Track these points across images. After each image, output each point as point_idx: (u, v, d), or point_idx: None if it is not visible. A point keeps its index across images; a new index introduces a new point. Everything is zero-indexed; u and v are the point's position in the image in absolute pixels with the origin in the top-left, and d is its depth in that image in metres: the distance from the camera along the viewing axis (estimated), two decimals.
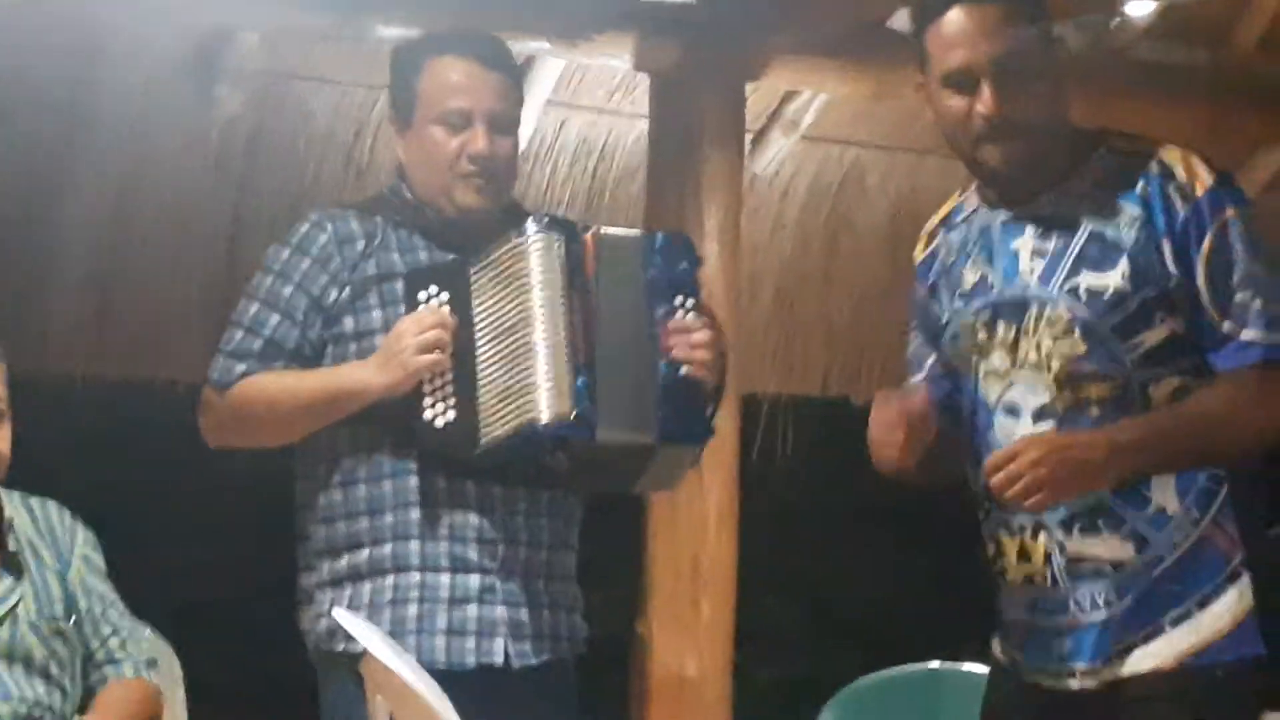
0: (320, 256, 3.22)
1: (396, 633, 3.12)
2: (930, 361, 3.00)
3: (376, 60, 4.96)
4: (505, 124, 3.24)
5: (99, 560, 3.52)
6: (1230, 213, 2.77)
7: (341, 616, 3.05)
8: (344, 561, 3.20)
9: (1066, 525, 2.79)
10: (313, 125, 5.15)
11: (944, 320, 2.92)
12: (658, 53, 4.85)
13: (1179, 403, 2.76)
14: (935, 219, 3.02)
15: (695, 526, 4.79)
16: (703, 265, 3.25)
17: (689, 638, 4.81)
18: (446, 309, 3.12)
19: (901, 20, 5.07)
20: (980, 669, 3.38)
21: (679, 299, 3.14)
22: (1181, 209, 2.75)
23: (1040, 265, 2.80)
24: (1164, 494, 2.77)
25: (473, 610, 3.15)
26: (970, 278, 2.88)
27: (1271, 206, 5.96)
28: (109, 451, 6.54)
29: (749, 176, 5.39)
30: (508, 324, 3.09)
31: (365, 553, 3.18)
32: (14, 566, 3.38)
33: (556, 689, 3.25)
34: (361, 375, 3.14)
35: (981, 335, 2.85)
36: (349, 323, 3.19)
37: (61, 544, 3.47)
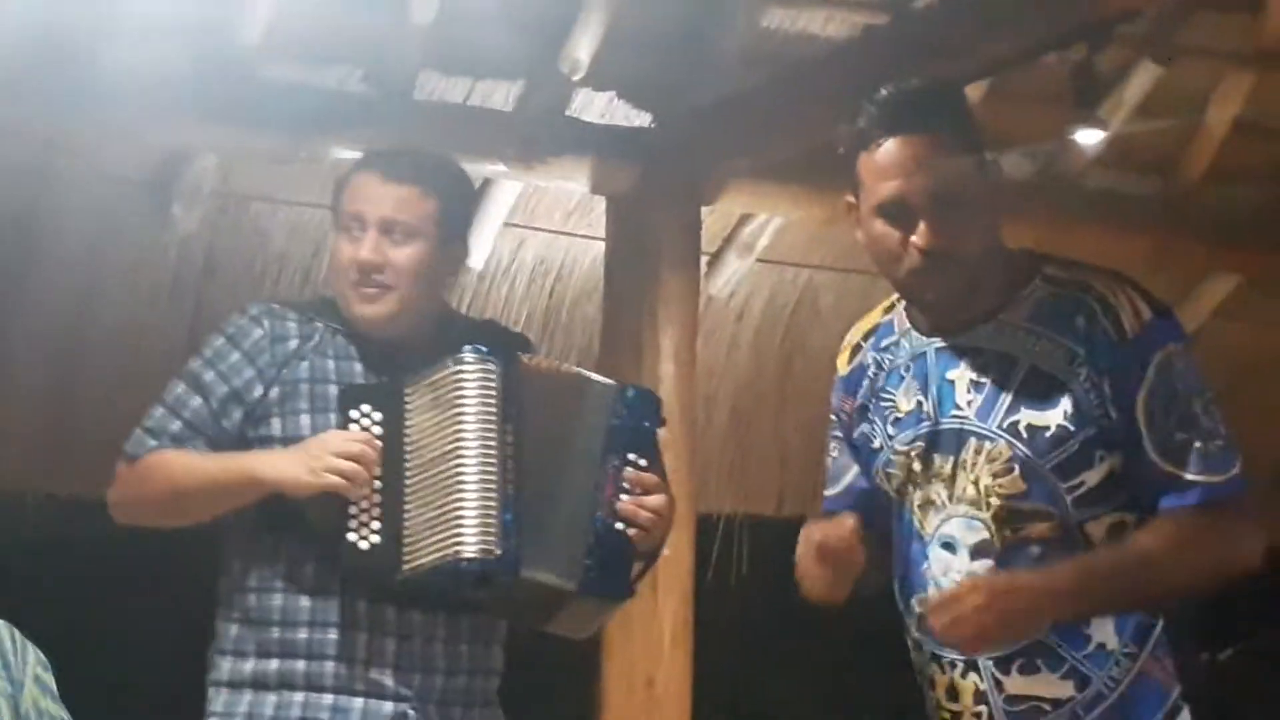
0: (250, 351, 3.18)
1: None
2: (851, 476, 2.94)
3: (332, 182, 5.01)
4: (406, 231, 3.15)
5: (50, 681, 3.47)
6: (1170, 350, 2.70)
7: None
8: (249, 666, 3.16)
9: (1004, 664, 2.73)
10: (269, 245, 5.17)
11: (875, 445, 2.84)
12: (615, 176, 4.90)
13: (1118, 545, 2.70)
14: (858, 333, 2.94)
15: (650, 646, 4.78)
16: (664, 425, 3.20)
17: None
18: (378, 432, 3.07)
19: None
20: None
21: (633, 455, 3.11)
22: (1120, 346, 2.68)
23: (978, 399, 2.73)
24: (1103, 631, 2.72)
25: None
26: (904, 404, 2.80)
27: (1218, 334, 6.04)
28: (62, 569, 6.49)
29: (705, 298, 5.42)
30: (439, 452, 3.04)
31: (274, 664, 3.14)
32: None
33: None
34: (268, 462, 3.09)
35: (916, 466, 2.78)
36: (276, 425, 3.16)
37: (12, 666, 3.43)
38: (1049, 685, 2.72)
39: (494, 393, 3.03)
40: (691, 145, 4.88)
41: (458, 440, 3.02)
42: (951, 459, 2.74)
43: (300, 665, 3.13)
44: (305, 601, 3.13)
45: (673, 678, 4.83)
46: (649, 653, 4.80)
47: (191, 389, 3.19)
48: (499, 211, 5.18)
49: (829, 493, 3.00)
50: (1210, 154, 5.46)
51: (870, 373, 2.88)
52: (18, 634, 3.48)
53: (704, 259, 5.31)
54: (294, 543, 3.14)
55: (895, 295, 2.90)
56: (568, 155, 4.85)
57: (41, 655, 3.50)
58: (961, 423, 2.74)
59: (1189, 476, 2.68)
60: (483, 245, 5.20)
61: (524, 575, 3.01)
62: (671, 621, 4.78)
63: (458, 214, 3.29)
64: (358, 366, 3.19)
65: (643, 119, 5.01)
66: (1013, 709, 2.73)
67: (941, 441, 2.75)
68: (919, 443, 2.77)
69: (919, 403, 2.78)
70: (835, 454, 2.98)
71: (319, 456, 3.04)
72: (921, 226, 2.69)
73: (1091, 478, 2.70)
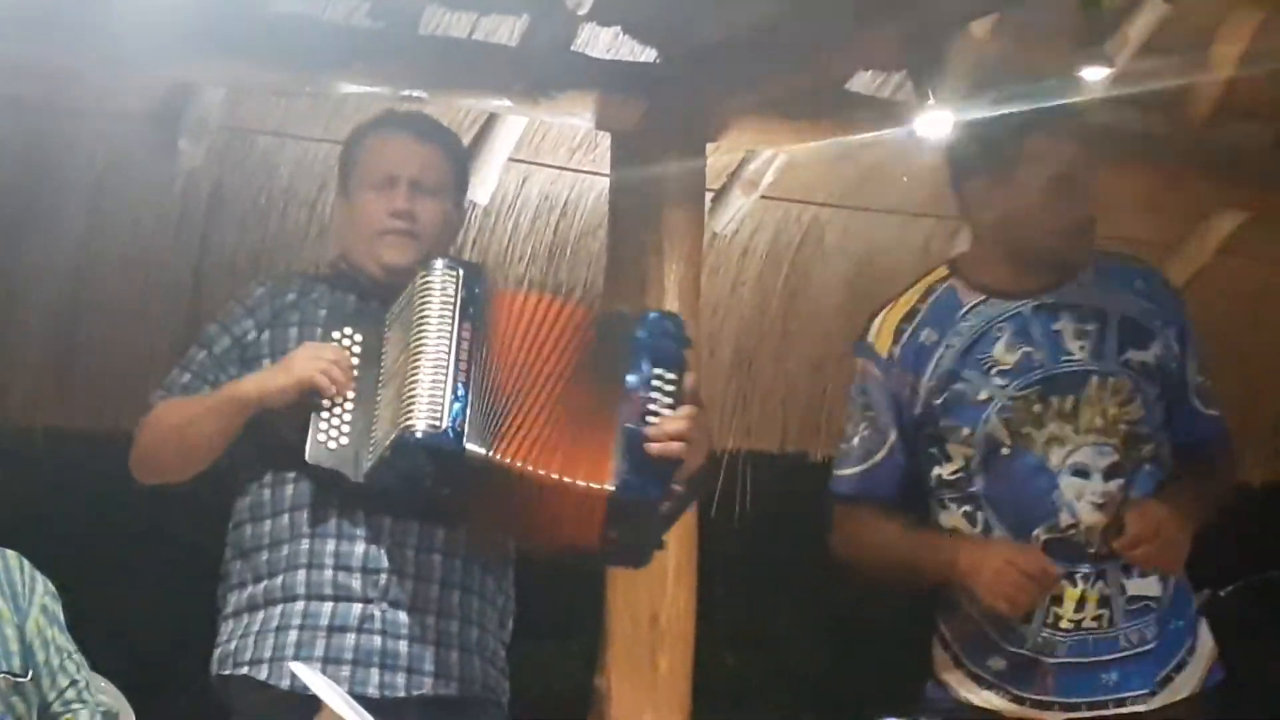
0: (251, 305, 3.39)
1: (277, 658, 3.22)
2: (883, 453, 3.28)
3: (338, 116, 5.01)
4: (431, 189, 3.38)
5: (58, 611, 3.51)
6: (1188, 310, 3.33)
7: (299, 670, 3.08)
8: (247, 593, 3.30)
9: (1128, 571, 3.19)
10: (275, 179, 5.16)
11: (981, 398, 3.20)
12: (619, 112, 4.88)
13: (1206, 469, 3.29)
14: (895, 317, 3.29)
15: (654, 581, 4.80)
16: (689, 345, 3.33)
17: (647, 692, 4.82)
18: (356, 350, 3.25)
19: (860, 83, 5.14)
20: None
21: (660, 370, 3.23)
22: (1176, 303, 3.31)
23: (1088, 344, 3.20)
24: None
25: (350, 639, 3.23)
26: (1007, 358, 3.20)
27: (1222, 271, 6.04)
28: (69, 503, 6.51)
29: (709, 235, 5.42)
30: (404, 356, 3.20)
31: (263, 584, 3.28)
32: None
33: None
34: (249, 380, 3.26)
35: (1036, 407, 3.18)
36: (266, 363, 3.32)
37: (20, 595, 3.46)
38: (1152, 585, 3.22)
39: (452, 293, 3.20)
40: (696, 80, 4.87)
41: (419, 335, 3.18)
42: (1072, 397, 3.18)
43: (280, 580, 3.27)
44: (285, 520, 3.27)
45: (676, 613, 4.85)
46: (653, 588, 4.82)
47: (199, 346, 3.39)
48: (504, 147, 5.17)
49: (850, 470, 3.32)
50: (1216, 91, 5.45)
51: (936, 349, 3.24)
52: (27, 564, 3.52)
53: (708, 195, 5.30)
54: (280, 469, 3.28)
55: (930, 279, 3.31)
56: (572, 90, 4.83)
57: (51, 586, 3.53)
58: (1078, 365, 3.19)
59: (1210, 412, 3.31)
60: (488, 181, 5.20)
61: (469, 449, 3.12)
62: (675, 557, 4.79)
63: (465, 179, 3.55)
64: (350, 305, 3.36)
65: (648, 54, 5.00)
66: (1130, 608, 3.19)
67: (1059, 383, 3.19)
68: (1036, 386, 3.19)
69: (1026, 353, 3.20)
70: (866, 432, 3.29)
71: (295, 359, 3.22)
72: (1083, 196, 3.22)
73: (1160, 407, 3.24)
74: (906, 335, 3.27)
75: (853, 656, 8.08)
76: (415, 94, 4.58)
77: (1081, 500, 3.17)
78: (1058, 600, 3.19)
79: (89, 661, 3.55)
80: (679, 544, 4.81)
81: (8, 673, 3.39)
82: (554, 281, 5.50)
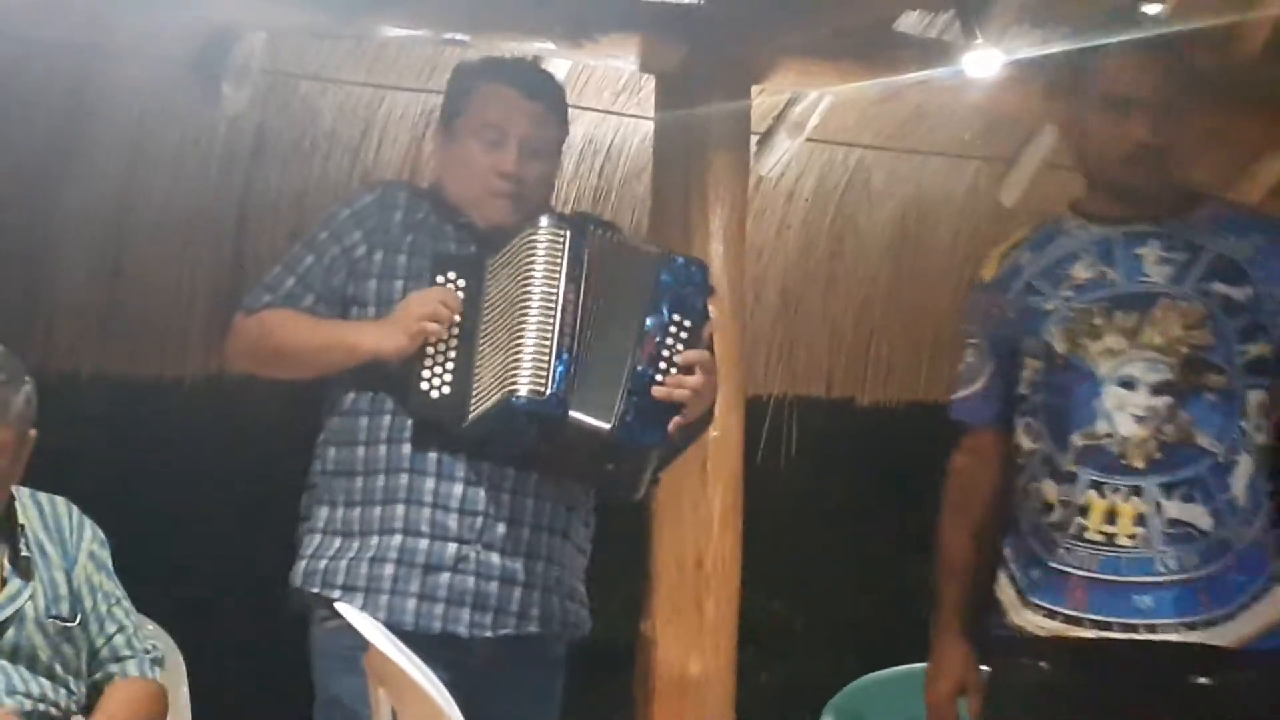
0: (360, 213, 3.44)
1: (372, 589, 3.30)
2: (985, 377, 3.32)
3: (381, 60, 5.00)
4: (538, 148, 3.43)
5: (105, 557, 3.53)
6: None
7: (344, 609, 3.15)
8: (339, 513, 3.37)
9: (1168, 490, 3.13)
10: (318, 124, 5.16)
11: (1047, 308, 3.23)
12: (663, 54, 4.86)
13: None
14: (1005, 245, 3.35)
15: (700, 526, 4.80)
16: (713, 294, 3.40)
17: (693, 637, 4.82)
18: (458, 291, 3.31)
19: (907, 23, 5.09)
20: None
21: (677, 316, 3.31)
22: None
23: (1169, 270, 3.18)
24: (1240, 486, 3.16)
25: (445, 578, 3.30)
26: (1084, 274, 3.21)
27: (1276, 210, 5.97)
28: (114, 448, 6.54)
29: (754, 178, 5.40)
30: (508, 309, 3.27)
31: (357, 510, 3.35)
32: (24, 570, 3.40)
33: (523, 665, 3.36)
34: (363, 333, 3.35)
35: (1098, 320, 3.18)
36: (373, 287, 3.39)
37: (68, 541, 3.48)
38: (1198, 515, 3.14)
39: (560, 254, 3.28)
40: (741, 22, 4.83)
41: (524, 295, 3.25)
42: (1137, 315, 3.17)
43: (377, 510, 3.34)
44: (382, 450, 3.34)
45: (722, 557, 4.85)
46: (699, 533, 4.82)
47: (306, 249, 3.45)
48: None
49: (962, 394, 3.36)
50: (1268, 29, 5.37)
51: (1026, 268, 3.28)
52: (75, 510, 3.54)
53: (753, 138, 5.27)
54: (377, 397, 3.35)
55: (1043, 220, 3.34)
56: (615, 33, 4.80)
57: (99, 532, 3.55)
58: (1150, 286, 3.19)
59: None
60: None
61: (572, 415, 3.22)
62: (720, 502, 4.80)
63: (567, 130, 3.58)
64: (452, 247, 3.42)
65: None
66: (1171, 532, 3.13)
67: (1126, 301, 3.19)
68: (1103, 301, 3.20)
69: (1102, 272, 3.21)
70: (971, 359, 3.36)
71: (404, 319, 3.29)
72: (1148, 123, 3.16)
73: (1252, 352, 3.18)
74: (1009, 261, 3.32)
75: (897, 601, 8.07)
76: (457, 37, 4.56)
77: (1122, 411, 3.14)
78: (1084, 511, 3.15)
79: (135, 603, 3.57)
80: (724, 488, 4.81)
81: (56, 617, 3.41)
82: None
